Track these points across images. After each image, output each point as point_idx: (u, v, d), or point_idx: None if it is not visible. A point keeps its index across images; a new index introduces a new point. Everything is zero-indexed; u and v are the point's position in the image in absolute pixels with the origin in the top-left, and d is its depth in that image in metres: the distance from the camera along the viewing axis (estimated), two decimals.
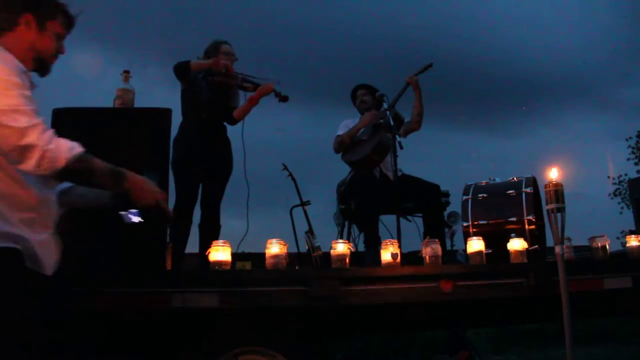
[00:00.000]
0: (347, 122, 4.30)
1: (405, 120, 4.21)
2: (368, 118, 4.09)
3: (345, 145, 4.13)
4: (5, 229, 1.61)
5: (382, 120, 3.99)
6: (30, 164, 1.60)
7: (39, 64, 1.83)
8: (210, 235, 3.44)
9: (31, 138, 1.59)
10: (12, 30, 1.78)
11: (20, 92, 1.63)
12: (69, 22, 1.89)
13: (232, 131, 3.94)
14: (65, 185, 1.96)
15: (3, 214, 1.62)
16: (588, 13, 25.05)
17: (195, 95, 3.70)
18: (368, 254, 3.43)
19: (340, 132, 4.23)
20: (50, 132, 1.64)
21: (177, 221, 3.35)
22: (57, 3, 1.86)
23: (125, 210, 1.96)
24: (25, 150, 1.59)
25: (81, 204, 2.03)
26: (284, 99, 3.88)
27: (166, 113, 3.05)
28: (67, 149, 1.65)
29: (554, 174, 2.74)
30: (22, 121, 1.59)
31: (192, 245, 3.69)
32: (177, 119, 3.84)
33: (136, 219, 2.00)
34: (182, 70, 3.61)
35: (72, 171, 1.66)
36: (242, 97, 3.96)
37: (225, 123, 3.91)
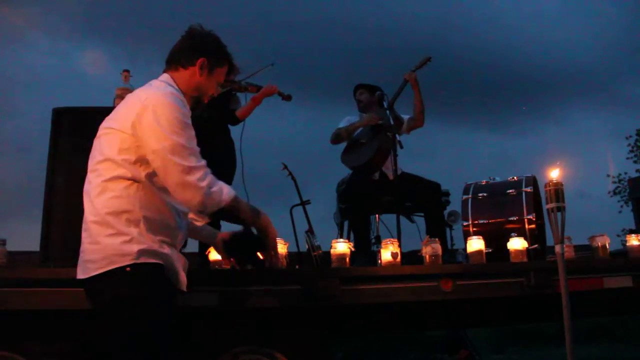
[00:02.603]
0: (349, 117, 4.31)
1: (407, 117, 4.19)
2: (368, 119, 4.04)
3: (341, 139, 4.12)
4: (154, 248, 1.78)
5: (381, 121, 3.95)
6: (194, 202, 1.78)
7: (195, 102, 2.00)
8: None
9: (195, 177, 1.76)
10: (186, 69, 1.95)
11: (190, 133, 1.81)
12: (229, 72, 2.09)
13: (233, 133, 3.95)
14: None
15: (150, 235, 1.79)
16: (595, 9, 24.94)
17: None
18: (357, 257, 3.41)
19: (341, 125, 4.23)
20: (212, 175, 1.81)
21: None
22: (227, 53, 2.04)
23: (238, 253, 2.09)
24: (188, 188, 1.76)
25: (193, 236, 2.24)
26: (287, 98, 3.89)
27: None
28: (226, 192, 1.83)
29: (555, 174, 2.74)
30: (191, 160, 1.77)
31: (192, 245, 3.69)
32: None
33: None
34: None
35: (224, 211, 1.84)
36: (243, 98, 3.97)
37: (229, 127, 3.92)
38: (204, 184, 1.77)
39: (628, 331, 6.55)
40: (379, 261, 3.03)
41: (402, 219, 3.80)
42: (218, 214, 1.86)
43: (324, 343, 3.06)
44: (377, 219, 4.23)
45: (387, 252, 2.95)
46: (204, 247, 3.30)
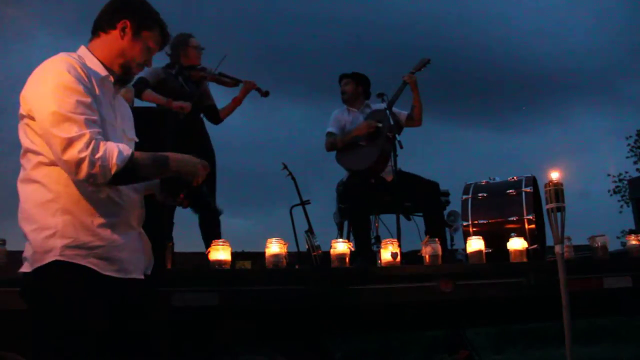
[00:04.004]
0: (337, 114, 4.21)
1: (406, 114, 4.15)
2: (366, 129, 3.97)
3: (337, 148, 4.08)
4: (83, 240, 1.63)
5: (381, 125, 3.92)
6: (81, 177, 1.58)
7: (124, 71, 1.83)
8: (212, 231, 3.45)
9: (75, 150, 1.56)
10: (107, 33, 1.79)
11: (77, 98, 1.61)
12: (163, 39, 1.89)
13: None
14: None
15: (82, 221, 1.64)
16: (600, 7, 24.79)
17: (172, 91, 3.66)
18: (357, 257, 3.41)
19: (331, 128, 4.13)
20: (93, 143, 1.59)
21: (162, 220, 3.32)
22: (157, 18, 1.86)
23: (176, 193, 1.89)
24: (69, 164, 1.57)
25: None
26: (265, 94, 3.95)
27: (165, 113, 3.05)
28: (116, 155, 1.61)
29: (555, 176, 2.74)
30: (71, 130, 1.57)
31: (192, 245, 3.70)
32: None
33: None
34: (135, 95, 3.58)
35: (120, 176, 1.63)
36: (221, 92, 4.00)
37: (203, 120, 3.93)
38: (84, 154, 1.56)
39: (628, 331, 6.56)
40: (379, 261, 3.04)
41: (402, 219, 3.80)
42: (118, 182, 1.66)
43: (324, 343, 3.06)
44: (376, 219, 4.22)
45: (387, 252, 2.95)
46: (208, 246, 3.30)
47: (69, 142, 1.57)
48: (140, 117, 3.05)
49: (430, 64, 4.07)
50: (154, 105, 3.56)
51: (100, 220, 1.67)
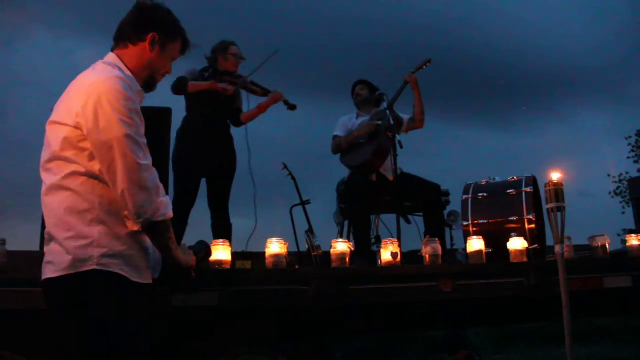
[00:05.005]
0: (344, 119, 4.26)
1: (407, 117, 4.18)
2: (366, 129, 4.01)
3: (342, 149, 4.12)
4: (119, 249, 1.67)
5: (380, 122, 3.94)
6: (136, 202, 1.62)
7: (148, 81, 1.88)
8: (223, 234, 3.46)
9: (143, 176, 1.62)
10: (136, 45, 1.82)
11: (138, 122, 1.68)
12: (184, 48, 1.93)
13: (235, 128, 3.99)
14: None
15: (115, 231, 1.67)
16: (603, 6, 24.67)
17: (202, 92, 3.72)
18: (357, 257, 3.41)
19: (337, 132, 4.19)
20: (158, 181, 1.67)
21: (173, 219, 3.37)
22: (180, 27, 1.90)
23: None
24: (132, 186, 1.61)
25: None
26: (292, 107, 3.98)
27: (166, 112, 3.05)
28: (170, 207, 1.69)
29: (556, 176, 2.74)
30: (140, 156, 1.63)
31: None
32: (182, 113, 3.89)
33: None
34: (178, 91, 3.71)
35: (159, 225, 1.69)
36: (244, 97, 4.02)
37: (229, 122, 3.96)
38: (150, 185, 1.64)
39: (628, 331, 6.55)
40: (379, 261, 3.04)
41: (402, 219, 3.81)
42: (150, 231, 1.70)
43: (324, 343, 3.06)
44: (376, 219, 4.23)
45: (387, 252, 2.95)
46: None
47: (140, 167, 1.63)
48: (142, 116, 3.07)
49: (431, 64, 4.10)
50: (154, 105, 3.58)
51: (128, 230, 1.70)
